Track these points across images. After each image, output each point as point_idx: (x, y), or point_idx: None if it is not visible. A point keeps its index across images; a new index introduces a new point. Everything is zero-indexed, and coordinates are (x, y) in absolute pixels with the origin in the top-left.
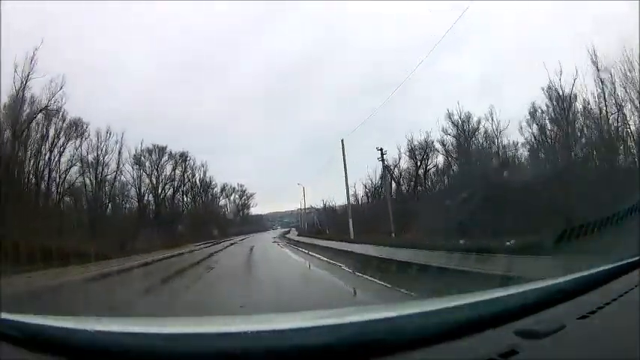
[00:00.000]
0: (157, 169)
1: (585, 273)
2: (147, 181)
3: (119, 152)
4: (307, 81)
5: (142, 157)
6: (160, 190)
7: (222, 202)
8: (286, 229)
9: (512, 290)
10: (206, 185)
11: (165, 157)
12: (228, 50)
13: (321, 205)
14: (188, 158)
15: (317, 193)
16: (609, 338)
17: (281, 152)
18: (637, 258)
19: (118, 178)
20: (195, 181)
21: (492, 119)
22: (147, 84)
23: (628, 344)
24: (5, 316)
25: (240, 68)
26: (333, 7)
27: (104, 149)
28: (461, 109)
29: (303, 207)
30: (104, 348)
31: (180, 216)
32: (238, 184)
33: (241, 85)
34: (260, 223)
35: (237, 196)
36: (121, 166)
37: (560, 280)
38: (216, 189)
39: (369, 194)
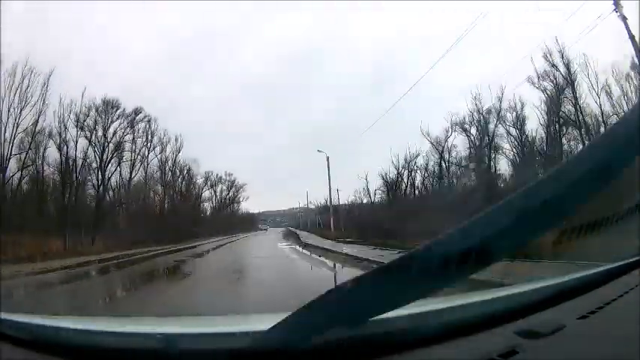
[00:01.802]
0: (104, 134)
1: (585, 273)
2: (88, 149)
3: (43, 100)
4: (306, 80)
5: (80, 115)
6: (104, 163)
7: (206, 193)
8: (283, 229)
9: (512, 290)
10: (184, 169)
11: (117, 115)
12: (226, 44)
13: (313, 205)
14: (152, 121)
15: (312, 192)
16: (609, 338)
17: (275, 151)
18: (637, 258)
19: (38, 138)
20: (166, 160)
21: (588, 71)
22: (135, 76)
23: (628, 344)
24: (5, 316)
25: (238, 63)
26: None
27: (23, 97)
28: (562, 45)
29: (328, 187)
30: (104, 348)
31: (121, 206)
32: (226, 172)
33: (235, 85)
34: (251, 222)
35: (224, 187)
36: (42, 121)
37: (560, 280)
38: (198, 177)
39: (392, 187)
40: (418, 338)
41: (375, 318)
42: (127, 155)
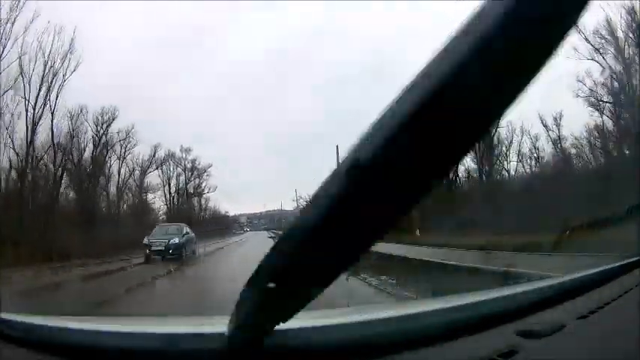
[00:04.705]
0: None
1: (585, 273)
2: None
3: None
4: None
5: None
6: None
7: (155, 176)
8: (271, 234)
9: (513, 290)
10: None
11: None
12: (209, 38)
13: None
14: None
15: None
16: (609, 338)
17: (248, 151)
18: (637, 258)
19: None
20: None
21: None
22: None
23: (628, 344)
24: (5, 316)
25: (222, 57)
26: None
27: None
28: None
29: None
30: (104, 348)
31: None
32: (183, 147)
33: (214, 85)
34: (225, 224)
35: (180, 170)
36: None
37: (560, 280)
38: (113, 133)
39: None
40: (418, 338)
41: (374, 317)
42: None
